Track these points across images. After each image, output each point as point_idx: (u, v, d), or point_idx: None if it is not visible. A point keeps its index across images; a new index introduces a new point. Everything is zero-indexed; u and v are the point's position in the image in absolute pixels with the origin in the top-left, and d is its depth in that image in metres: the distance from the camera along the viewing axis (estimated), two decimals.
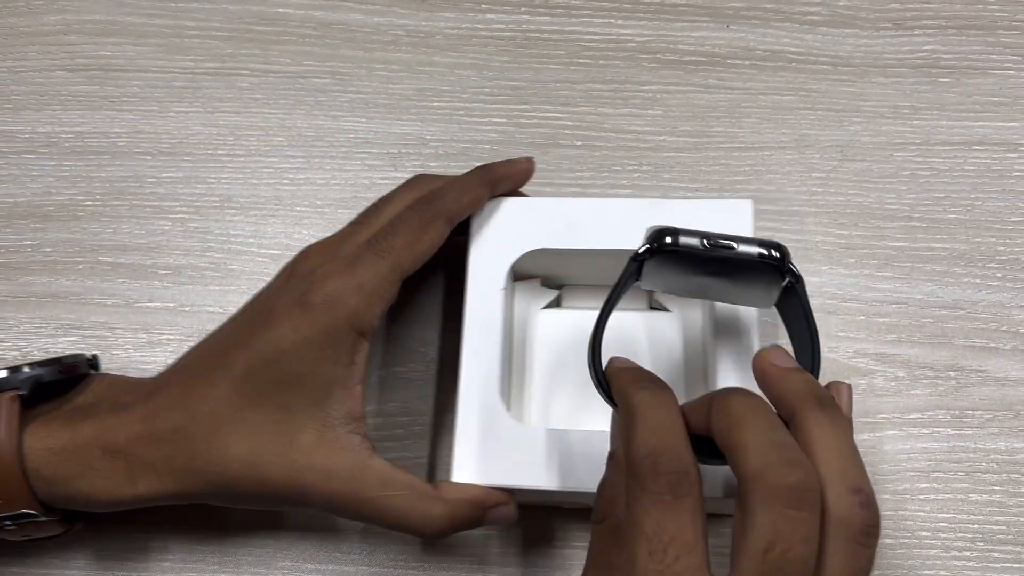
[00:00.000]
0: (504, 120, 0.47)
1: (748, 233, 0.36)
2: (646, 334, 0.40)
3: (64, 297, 0.45)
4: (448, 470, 0.35)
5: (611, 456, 0.30)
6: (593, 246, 0.37)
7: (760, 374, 0.29)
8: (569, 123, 0.47)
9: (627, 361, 0.31)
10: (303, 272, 0.35)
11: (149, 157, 0.47)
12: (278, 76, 0.49)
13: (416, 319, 0.43)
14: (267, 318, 0.33)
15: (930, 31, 0.47)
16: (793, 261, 0.32)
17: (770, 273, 0.32)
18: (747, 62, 0.47)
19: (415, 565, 0.39)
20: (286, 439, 0.32)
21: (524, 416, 0.39)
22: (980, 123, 0.45)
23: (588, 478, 0.33)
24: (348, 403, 0.33)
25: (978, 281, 0.43)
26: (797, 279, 0.32)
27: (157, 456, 0.33)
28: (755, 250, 0.32)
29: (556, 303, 0.41)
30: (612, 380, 0.30)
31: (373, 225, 0.36)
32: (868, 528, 0.25)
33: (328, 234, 0.37)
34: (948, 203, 0.44)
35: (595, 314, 0.33)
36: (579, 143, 0.46)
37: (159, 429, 0.33)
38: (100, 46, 0.50)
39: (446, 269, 0.42)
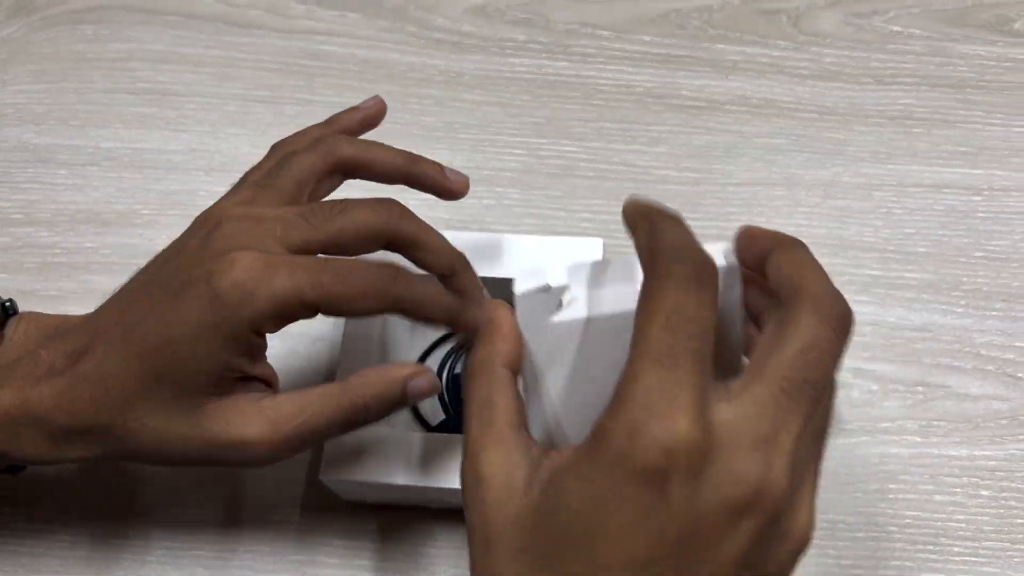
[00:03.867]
0: (524, 152, 0.52)
1: None
2: None
3: None
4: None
5: None
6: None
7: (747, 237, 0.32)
8: (584, 156, 0.52)
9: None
10: (219, 245, 0.33)
11: (202, 173, 0.52)
12: (321, 105, 0.54)
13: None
14: (176, 294, 0.33)
15: (906, 87, 0.53)
16: None
17: None
18: (743, 108, 0.53)
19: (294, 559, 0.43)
20: (188, 411, 0.34)
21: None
22: (949, 169, 0.51)
23: (450, 477, 0.39)
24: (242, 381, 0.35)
25: (944, 307, 0.48)
26: None
27: (79, 426, 0.34)
28: None
29: None
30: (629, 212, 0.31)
31: (319, 231, 0.34)
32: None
33: None
34: (919, 238, 0.49)
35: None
36: (592, 174, 0.52)
37: (78, 401, 0.34)
38: (159, 72, 0.55)
39: None
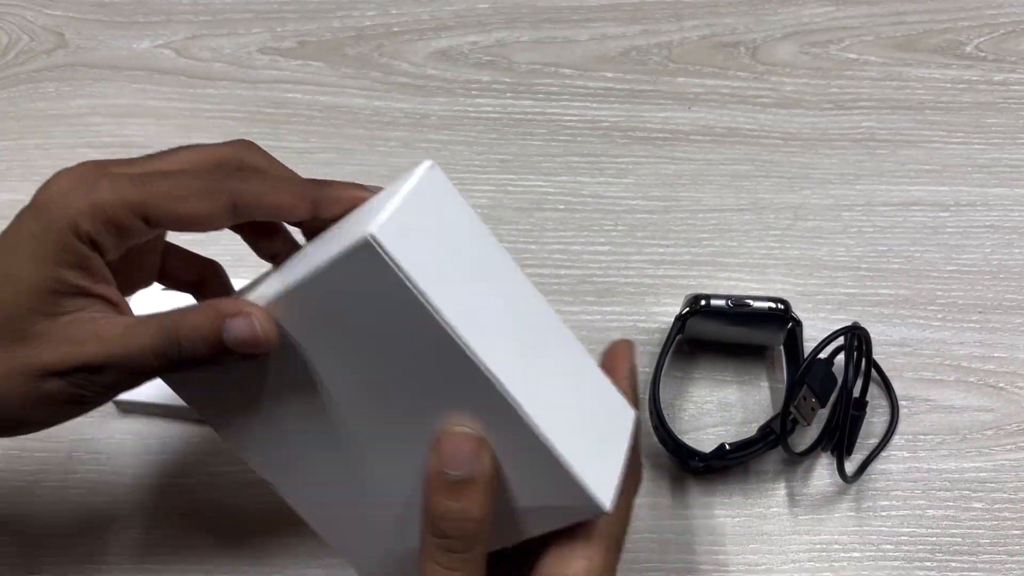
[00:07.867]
0: (493, 188, 0.52)
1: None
2: None
3: None
4: None
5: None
6: None
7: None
8: (552, 190, 0.52)
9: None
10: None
11: None
12: (287, 151, 0.53)
13: None
14: (6, 230, 0.31)
15: (867, 111, 0.54)
16: (794, 311, 0.43)
17: (778, 320, 0.43)
18: (708, 138, 0.53)
19: None
20: (15, 339, 0.30)
21: None
22: (915, 187, 0.51)
23: None
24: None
25: (921, 322, 0.47)
26: (798, 323, 0.44)
27: None
28: (766, 305, 0.43)
29: None
30: None
31: (153, 163, 0.32)
32: None
33: None
34: (891, 255, 0.49)
35: None
36: (561, 207, 0.51)
37: None
38: (123, 126, 0.55)
39: None
